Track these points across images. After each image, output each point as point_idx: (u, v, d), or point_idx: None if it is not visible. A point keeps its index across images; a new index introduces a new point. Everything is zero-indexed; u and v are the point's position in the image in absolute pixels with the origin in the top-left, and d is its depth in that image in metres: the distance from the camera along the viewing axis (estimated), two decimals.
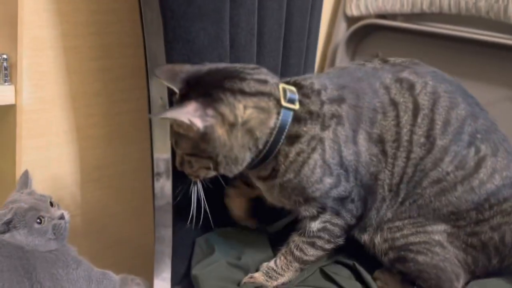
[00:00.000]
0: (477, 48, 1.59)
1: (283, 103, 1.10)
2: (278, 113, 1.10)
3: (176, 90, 1.10)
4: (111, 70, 1.37)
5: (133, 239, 1.51)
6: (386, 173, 1.16)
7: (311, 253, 1.20)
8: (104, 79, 1.36)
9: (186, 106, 1.05)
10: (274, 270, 1.20)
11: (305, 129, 1.12)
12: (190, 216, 1.17)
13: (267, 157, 1.12)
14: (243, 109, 1.07)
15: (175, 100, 1.11)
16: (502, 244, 1.17)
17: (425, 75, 1.18)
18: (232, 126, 1.07)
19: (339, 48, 1.77)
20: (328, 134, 1.12)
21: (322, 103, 1.13)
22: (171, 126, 1.12)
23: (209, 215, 1.19)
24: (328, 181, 1.13)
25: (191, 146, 1.09)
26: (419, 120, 1.15)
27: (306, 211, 1.18)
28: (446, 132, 1.15)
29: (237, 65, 1.13)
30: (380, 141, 1.15)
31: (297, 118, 1.11)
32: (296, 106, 1.11)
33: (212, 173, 1.14)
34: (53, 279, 1.06)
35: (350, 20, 1.77)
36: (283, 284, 1.20)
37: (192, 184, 1.16)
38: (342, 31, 1.79)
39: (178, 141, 1.11)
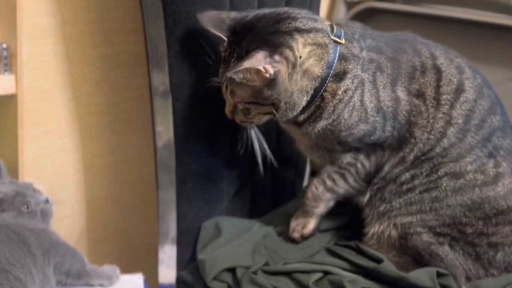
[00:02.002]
0: (478, 30, 1.58)
1: (331, 36, 1.12)
2: (330, 48, 1.11)
3: (224, 38, 1.11)
4: (112, 57, 1.36)
5: (136, 227, 1.51)
6: (423, 132, 1.15)
7: (341, 185, 1.21)
8: (105, 66, 1.35)
9: (255, 55, 1.05)
10: (309, 201, 1.23)
11: (350, 66, 1.12)
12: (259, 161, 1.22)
13: (315, 96, 1.12)
14: (302, 48, 1.08)
15: (223, 48, 1.12)
16: (494, 261, 1.15)
17: (476, 73, 1.19)
18: (293, 68, 1.08)
19: None
20: (368, 77, 1.13)
21: (362, 49, 1.15)
22: (225, 78, 1.10)
23: (272, 158, 1.22)
24: (363, 127, 1.14)
25: (252, 95, 1.10)
26: (461, 99, 1.15)
27: (340, 146, 1.18)
28: (478, 132, 1.15)
29: (283, 8, 1.14)
30: (420, 95, 1.15)
31: (343, 57, 1.13)
32: (343, 41, 1.13)
33: (268, 118, 1.15)
34: (44, 252, 1.09)
35: (350, 4, 1.76)
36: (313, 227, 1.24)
37: (248, 129, 1.18)
38: (342, 15, 1.78)
39: (236, 91, 1.11)
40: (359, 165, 1.20)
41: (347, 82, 1.12)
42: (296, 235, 1.24)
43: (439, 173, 1.15)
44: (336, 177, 1.22)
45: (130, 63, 1.38)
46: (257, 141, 1.21)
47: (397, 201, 1.17)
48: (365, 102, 1.13)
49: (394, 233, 1.18)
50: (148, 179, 1.42)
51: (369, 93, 1.13)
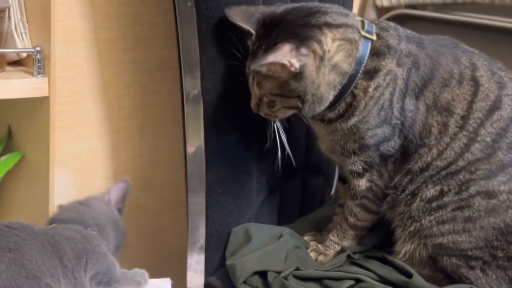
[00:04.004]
0: (510, 37, 1.57)
1: (362, 32, 1.10)
2: (360, 44, 1.10)
3: (252, 31, 1.11)
4: (143, 62, 1.36)
5: (164, 232, 1.51)
6: (432, 151, 1.12)
7: (364, 217, 1.22)
8: (136, 70, 1.36)
9: (281, 48, 1.04)
10: (332, 240, 1.24)
11: (383, 63, 1.11)
12: (277, 159, 1.20)
13: (343, 93, 1.11)
14: (331, 42, 1.07)
15: (251, 42, 1.11)
16: None
17: None
18: (321, 61, 1.06)
19: None
20: (402, 72, 1.11)
21: (400, 39, 1.13)
22: (253, 71, 1.10)
23: (292, 157, 1.21)
24: (386, 130, 1.13)
25: (278, 87, 1.09)
26: (494, 117, 1.11)
27: (353, 164, 1.17)
28: (511, 151, 1.11)
29: (313, 3, 1.12)
30: (447, 109, 1.12)
31: (376, 52, 1.11)
32: (374, 37, 1.11)
33: (292, 112, 1.14)
34: (78, 262, 1.08)
35: (380, 11, 1.76)
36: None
37: (272, 123, 1.17)
38: None
39: (262, 82, 1.10)
40: (374, 188, 1.19)
41: (378, 80, 1.10)
42: (313, 255, 1.24)
43: (470, 191, 1.11)
44: (358, 210, 1.21)
45: (161, 67, 1.39)
46: (278, 135, 1.18)
47: (427, 219, 1.14)
48: (394, 101, 1.11)
49: (424, 252, 1.16)
50: (177, 184, 1.42)
51: (398, 93, 1.11)
